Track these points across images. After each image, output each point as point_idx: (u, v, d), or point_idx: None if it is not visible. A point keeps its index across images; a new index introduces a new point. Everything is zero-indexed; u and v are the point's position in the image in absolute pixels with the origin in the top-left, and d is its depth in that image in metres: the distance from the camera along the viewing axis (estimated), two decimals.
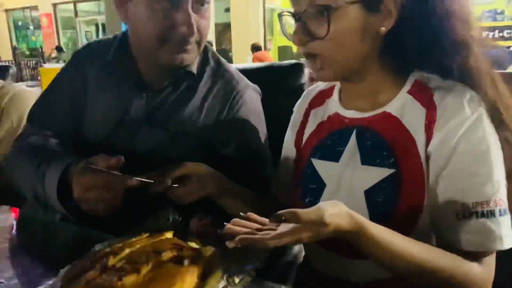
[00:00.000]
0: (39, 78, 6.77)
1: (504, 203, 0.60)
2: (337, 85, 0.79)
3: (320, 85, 0.84)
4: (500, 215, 0.59)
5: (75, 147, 0.94)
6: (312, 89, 0.86)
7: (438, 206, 0.62)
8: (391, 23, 0.64)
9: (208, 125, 0.91)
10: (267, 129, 0.98)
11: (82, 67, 0.97)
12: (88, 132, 0.95)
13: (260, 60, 7.62)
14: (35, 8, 12.79)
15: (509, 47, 4.71)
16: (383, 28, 0.64)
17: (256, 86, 0.99)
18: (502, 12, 9.44)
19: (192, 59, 0.87)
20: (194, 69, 0.92)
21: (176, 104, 0.91)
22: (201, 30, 0.84)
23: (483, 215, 0.59)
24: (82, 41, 10.25)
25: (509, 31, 7.02)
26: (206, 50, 0.96)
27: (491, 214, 0.59)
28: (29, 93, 1.49)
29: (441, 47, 0.63)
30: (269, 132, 0.97)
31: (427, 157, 0.64)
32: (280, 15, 0.71)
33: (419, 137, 0.64)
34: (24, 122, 1.19)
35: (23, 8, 13.37)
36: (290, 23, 0.69)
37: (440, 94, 0.64)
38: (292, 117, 0.87)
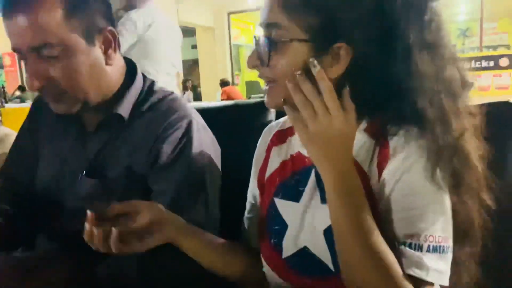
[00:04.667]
0: (0, 118, 6.53)
1: (436, 241, 0.60)
2: None
3: (282, 121, 0.84)
4: (428, 251, 0.60)
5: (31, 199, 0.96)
6: (273, 126, 0.85)
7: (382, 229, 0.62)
8: (339, 69, 0.63)
9: (140, 163, 0.87)
10: (232, 168, 0.95)
11: (35, 117, 1.01)
12: (37, 183, 0.96)
13: (229, 95, 7.71)
14: None
15: None
16: (331, 73, 0.63)
17: (200, 118, 0.94)
18: None
19: (65, 109, 0.85)
20: (123, 110, 0.89)
21: (110, 148, 0.89)
22: (57, 80, 0.80)
23: (410, 247, 0.60)
24: None
25: None
26: (149, 90, 0.94)
27: (418, 247, 0.60)
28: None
29: (402, 111, 0.63)
30: (234, 172, 0.94)
31: (379, 191, 0.64)
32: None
33: (372, 173, 0.65)
34: None
35: None
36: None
37: (394, 131, 0.65)
38: (255, 152, 0.86)
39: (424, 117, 0.61)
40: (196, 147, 0.87)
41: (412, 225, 0.61)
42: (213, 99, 8.62)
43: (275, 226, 0.75)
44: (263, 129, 1.04)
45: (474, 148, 0.65)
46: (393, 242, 0.61)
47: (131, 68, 0.95)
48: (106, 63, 0.86)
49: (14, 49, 0.80)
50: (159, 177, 0.86)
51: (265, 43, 0.65)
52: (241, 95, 8.46)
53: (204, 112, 0.98)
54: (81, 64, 0.81)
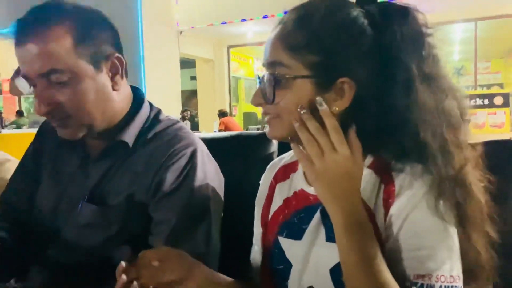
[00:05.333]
0: None
1: (448, 281, 0.59)
2: None
3: (285, 158, 0.84)
4: None
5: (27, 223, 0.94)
6: (276, 162, 0.85)
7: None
8: (344, 104, 0.64)
9: (142, 191, 0.86)
10: (236, 200, 0.94)
11: (40, 143, 1.00)
12: (35, 209, 0.94)
13: (227, 125, 7.77)
14: None
15: None
16: (336, 108, 0.64)
17: (205, 147, 0.93)
18: None
19: (71, 133, 0.85)
20: (128, 138, 0.88)
21: (112, 176, 0.88)
22: (63, 104, 0.81)
23: (422, 287, 0.59)
24: None
25: None
26: (155, 119, 0.94)
27: None
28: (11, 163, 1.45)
29: (404, 145, 0.63)
30: (235, 203, 0.94)
31: (386, 228, 0.64)
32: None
33: (378, 210, 0.64)
34: None
35: None
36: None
37: (398, 167, 0.64)
38: (259, 190, 0.85)
39: (426, 149, 0.61)
40: (199, 176, 0.86)
41: (422, 265, 0.60)
42: (210, 128, 8.67)
43: (279, 265, 0.73)
44: (266, 160, 1.03)
45: (476, 180, 0.64)
46: (403, 282, 0.60)
47: (138, 97, 0.95)
48: (113, 89, 0.87)
49: (25, 76, 0.81)
50: (161, 205, 0.84)
51: (269, 81, 0.66)
52: (238, 126, 8.52)
53: (207, 143, 0.97)
54: (88, 89, 0.82)
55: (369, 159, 0.68)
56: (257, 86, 0.70)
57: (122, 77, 0.88)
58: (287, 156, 0.84)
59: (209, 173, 0.90)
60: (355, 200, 0.61)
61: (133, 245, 0.85)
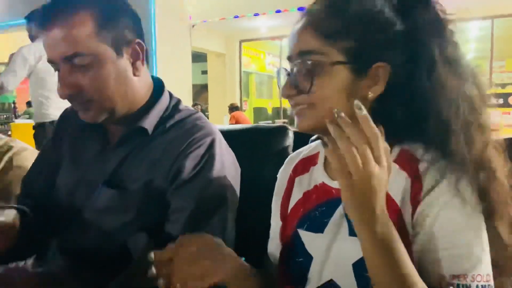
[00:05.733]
0: (9, 132, 6.63)
1: (484, 280, 0.58)
2: (321, 152, 0.78)
3: (303, 151, 0.83)
4: None
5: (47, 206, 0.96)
6: (295, 156, 0.84)
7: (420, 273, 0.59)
8: (379, 90, 0.64)
9: (160, 178, 0.86)
10: (250, 193, 0.94)
11: (61, 129, 1.02)
12: (55, 193, 0.96)
13: (238, 120, 7.77)
14: None
15: None
16: (371, 94, 0.64)
17: (223, 138, 0.93)
18: None
19: (93, 117, 0.86)
20: (148, 125, 0.89)
21: (131, 162, 0.89)
22: (85, 88, 0.83)
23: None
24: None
25: None
26: (175, 108, 0.95)
27: None
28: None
29: (428, 125, 0.63)
30: (253, 195, 0.93)
31: (413, 226, 0.62)
32: (278, 71, 0.72)
33: (405, 207, 0.63)
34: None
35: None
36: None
37: (425, 164, 0.63)
38: (276, 184, 0.84)
39: (449, 129, 0.61)
40: (217, 165, 0.87)
41: (457, 265, 0.58)
42: (220, 123, 8.67)
43: (299, 258, 0.72)
44: (280, 153, 1.03)
45: (500, 165, 0.64)
46: (438, 283, 0.58)
47: (158, 86, 0.96)
48: (134, 74, 0.89)
49: (50, 60, 0.84)
50: (179, 193, 0.85)
51: (302, 70, 0.65)
52: (248, 121, 8.52)
53: (223, 134, 0.97)
54: (109, 73, 0.84)
55: (395, 151, 0.67)
56: (285, 78, 0.69)
57: (142, 63, 0.90)
58: (306, 150, 0.83)
59: (227, 162, 0.90)
60: (382, 214, 0.56)
61: (149, 232, 0.86)
